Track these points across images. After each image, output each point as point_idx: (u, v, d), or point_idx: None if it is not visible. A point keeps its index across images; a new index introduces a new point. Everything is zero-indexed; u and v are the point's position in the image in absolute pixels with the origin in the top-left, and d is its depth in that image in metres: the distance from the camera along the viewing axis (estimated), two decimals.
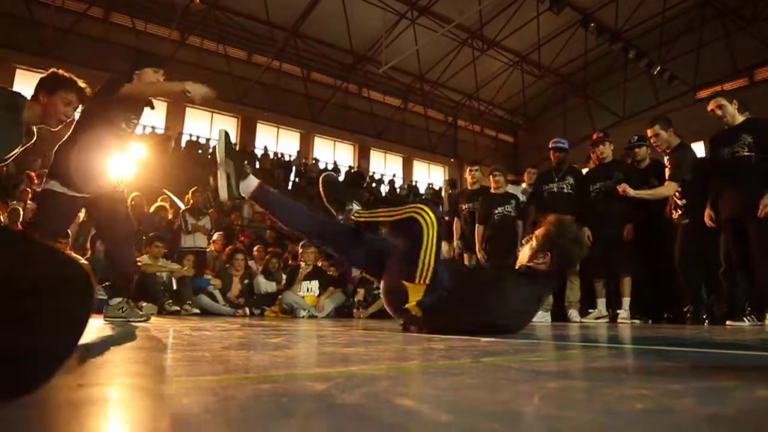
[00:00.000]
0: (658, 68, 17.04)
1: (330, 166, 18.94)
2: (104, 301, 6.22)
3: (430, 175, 22.74)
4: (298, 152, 19.06)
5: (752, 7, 15.87)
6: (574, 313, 5.65)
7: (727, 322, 4.47)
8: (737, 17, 16.29)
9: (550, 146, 6.19)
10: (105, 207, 3.68)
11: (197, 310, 6.83)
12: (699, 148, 7.26)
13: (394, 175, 21.48)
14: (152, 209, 8.58)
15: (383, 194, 19.05)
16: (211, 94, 3.34)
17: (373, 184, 19.57)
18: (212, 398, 0.72)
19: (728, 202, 4.62)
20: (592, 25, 16.35)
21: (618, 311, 5.44)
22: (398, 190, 19.87)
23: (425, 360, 1.34)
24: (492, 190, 6.52)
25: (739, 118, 4.69)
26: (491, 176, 6.53)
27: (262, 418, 0.60)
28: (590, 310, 5.64)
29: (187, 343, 1.87)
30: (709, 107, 4.81)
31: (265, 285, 7.82)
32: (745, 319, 4.36)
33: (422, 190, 20.28)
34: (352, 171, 18.91)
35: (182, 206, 8.70)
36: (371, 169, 21.06)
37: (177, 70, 16.69)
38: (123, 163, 4.17)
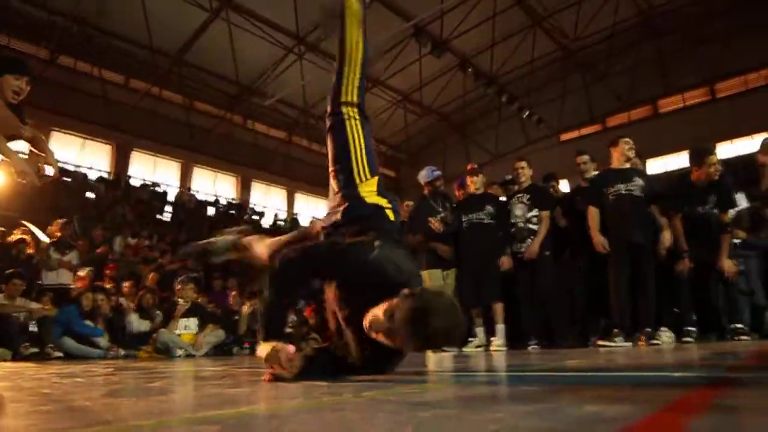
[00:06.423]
0: (527, 112, 18.65)
1: (210, 198, 18.32)
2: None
3: (312, 208, 22.55)
4: (180, 185, 18.29)
5: (605, 64, 17.95)
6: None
7: (598, 342, 4.90)
8: (593, 71, 18.35)
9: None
10: None
11: (61, 354, 6.26)
12: (564, 185, 8.04)
13: (278, 210, 21.21)
14: (10, 240, 7.81)
15: (265, 228, 18.70)
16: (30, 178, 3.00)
17: (254, 217, 19.15)
18: None
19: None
20: (470, 69, 17.59)
21: (491, 338, 5.62)
22: (281, 224, 19.62)
23: (310, 398, 1.41)
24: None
25: None
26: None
27: None
28: (470, 339, 5.83)
29: (62, 392, 1.78)
30: None
31: (138, 323, 7.37)
32: (615, 340, 4.72)
33: (305, 222, 20.12)
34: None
35: (45, 239, 8.00)
36: (252, 201, 20.64)
37: (46, 91, 15.45)
38: None
